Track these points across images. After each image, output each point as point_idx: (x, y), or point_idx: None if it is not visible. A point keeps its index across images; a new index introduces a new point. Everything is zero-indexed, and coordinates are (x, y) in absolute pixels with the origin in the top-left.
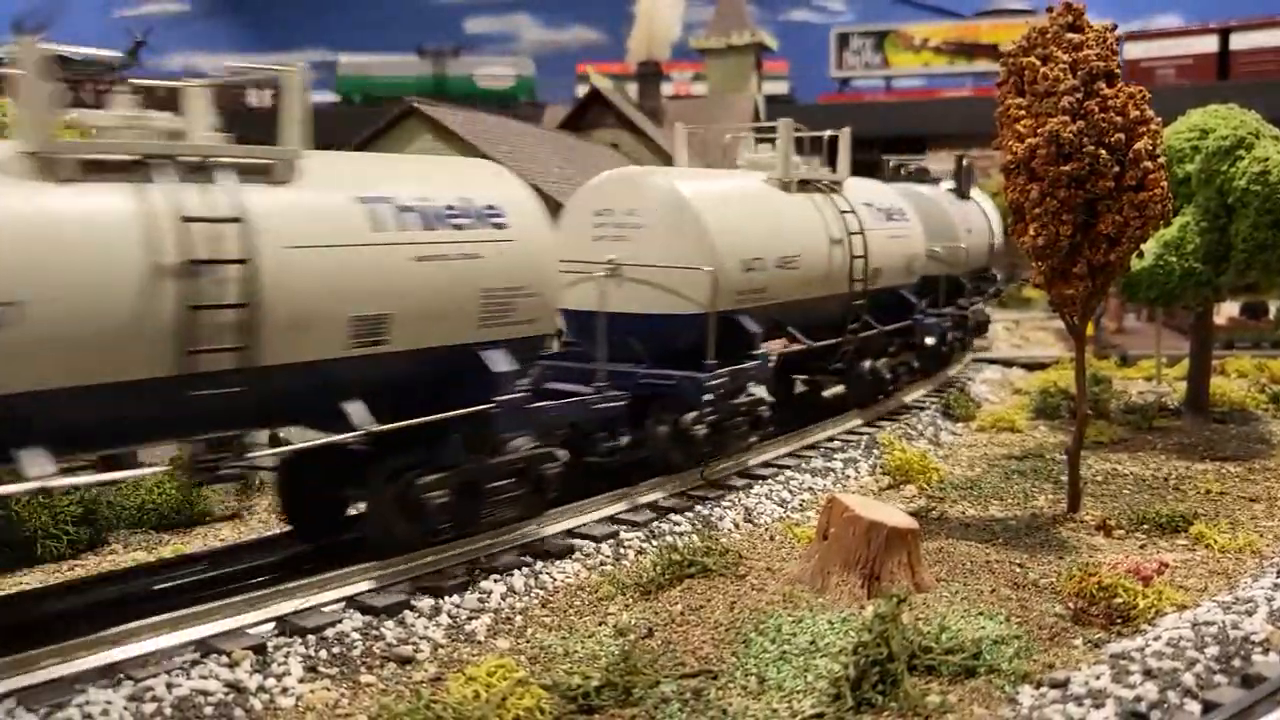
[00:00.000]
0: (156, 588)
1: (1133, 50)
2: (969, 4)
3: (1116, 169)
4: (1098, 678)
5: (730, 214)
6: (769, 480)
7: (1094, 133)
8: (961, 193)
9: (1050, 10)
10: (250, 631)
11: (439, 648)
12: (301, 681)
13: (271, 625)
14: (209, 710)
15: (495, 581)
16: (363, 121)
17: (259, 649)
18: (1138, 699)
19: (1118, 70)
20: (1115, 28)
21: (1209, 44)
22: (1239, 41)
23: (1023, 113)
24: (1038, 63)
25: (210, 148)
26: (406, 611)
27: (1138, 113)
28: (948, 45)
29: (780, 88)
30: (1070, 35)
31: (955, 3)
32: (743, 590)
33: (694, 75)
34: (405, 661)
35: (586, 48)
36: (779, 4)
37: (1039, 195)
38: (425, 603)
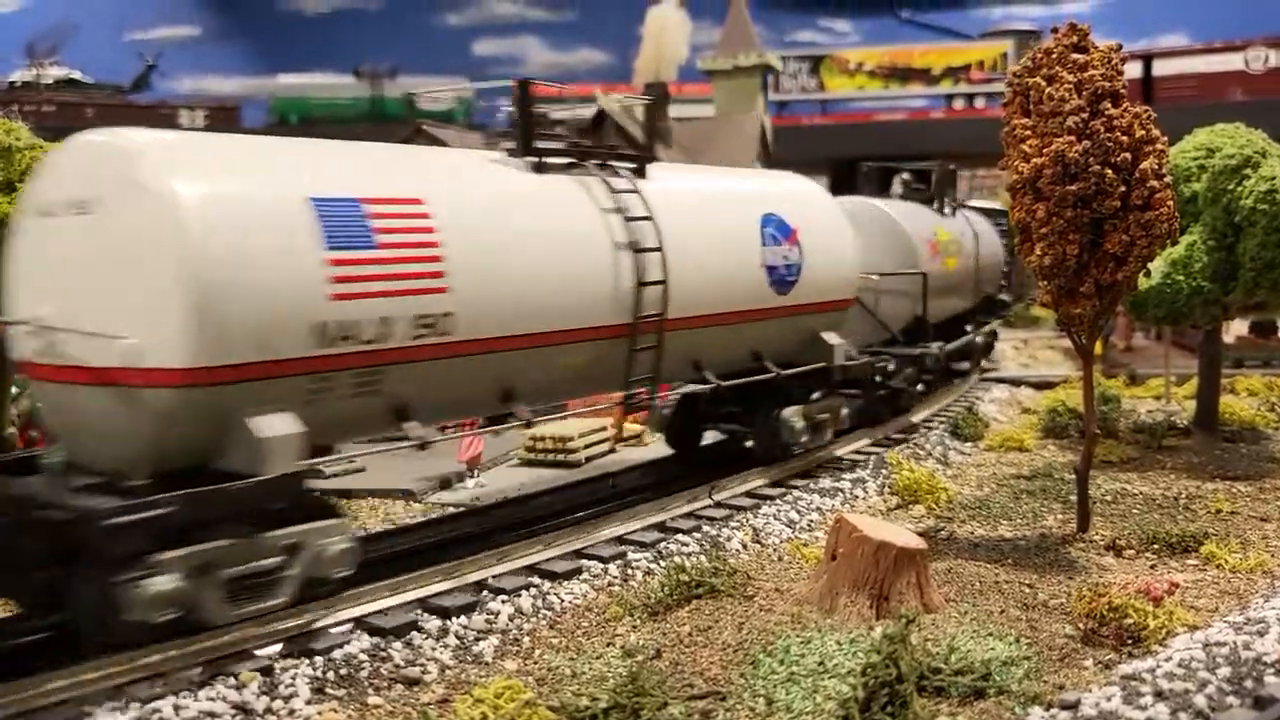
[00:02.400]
0: None
1: None
2: (974, 26)
3: (1123, 188)
4: (1109, 699)
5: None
6: (777, 500)
7: (1100, 152)
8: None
9: (1055, 31)
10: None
11: (446, 669)
12: (309, 703)
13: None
14: None
15: (503, 602)
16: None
17: (266, 670)
18: None
19: (1123, 90)
20: (1120, 48)
21: (1133, 70)
22: (1160, 68)
23: (1029, 133)
24: (1043, 83)
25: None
26: (414, 632)
27: (1143, 132)
28: (882, 69)
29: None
30: (1075, 56)
31: (961, 25)
32: (751, 611)
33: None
34: (413, 683)
35: (594, 69)
36: (786, 25)
37: (1045, 215)
38: (433, 623)
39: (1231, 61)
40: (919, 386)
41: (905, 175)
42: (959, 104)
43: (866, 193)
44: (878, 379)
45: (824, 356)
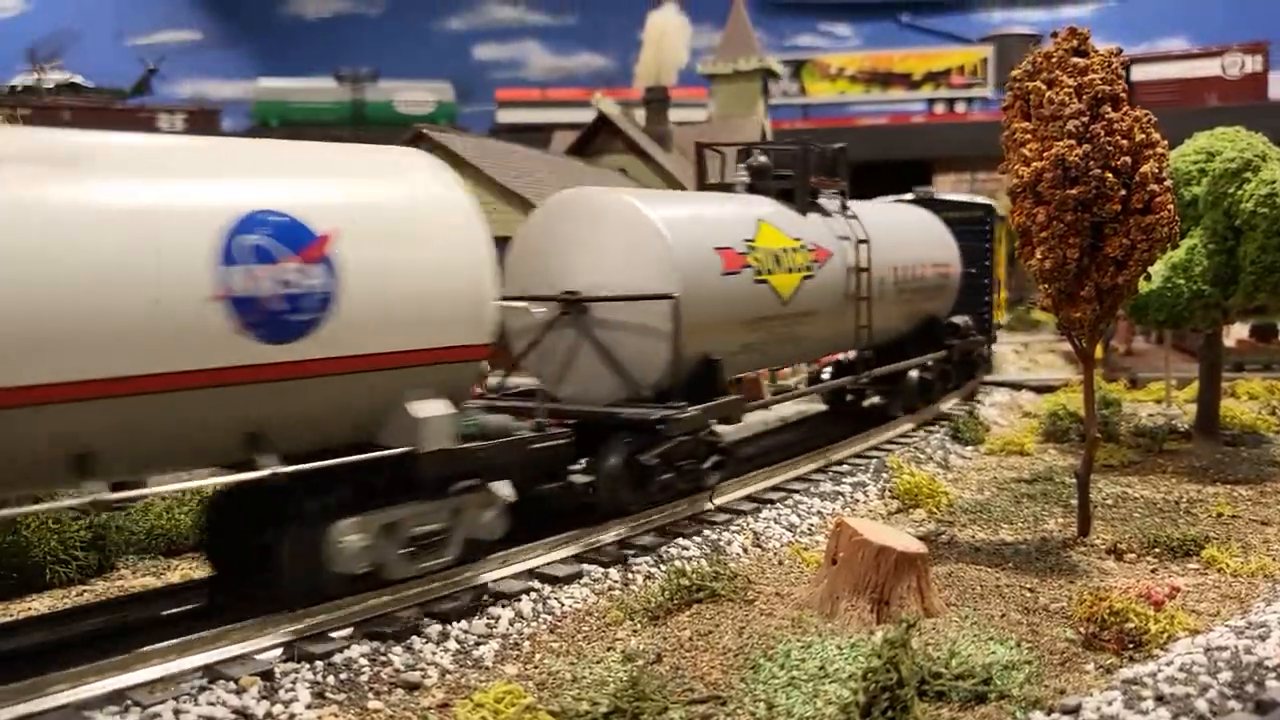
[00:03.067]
0: None
1: None
2: (975, 30)
3: (1123, 192)
4: (1110, 704)
5: None
6: (778, 504)
7: (1100, 156)
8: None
9: (1055, 35)
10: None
11: (446, 673)
12: (309, 708)
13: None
14: None
15: (503, 607)
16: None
17: (266, 675)
18: None
19: (1124, 94)
20: (1121, 52)
21: None
22: (1138, 73)
23: (1029, 136)
24: (1043, 87)
25: None
26: (414, 636)
27: (1144, 136)
28: (862, 74)
29: (699, 115)
30: (1075, 60)
31: (961, 29)
32: (751, 615)
33: (615, 102)
34: (413, 687)
35: (594, 74)
36: (785, 30)
37: (1046, 219)
38: (433, 628)
39: (1209, 67)
40: (673, 468)
41: (762, 158)
42: (939, 109)
43: (715, 180)
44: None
45: (408, 437)
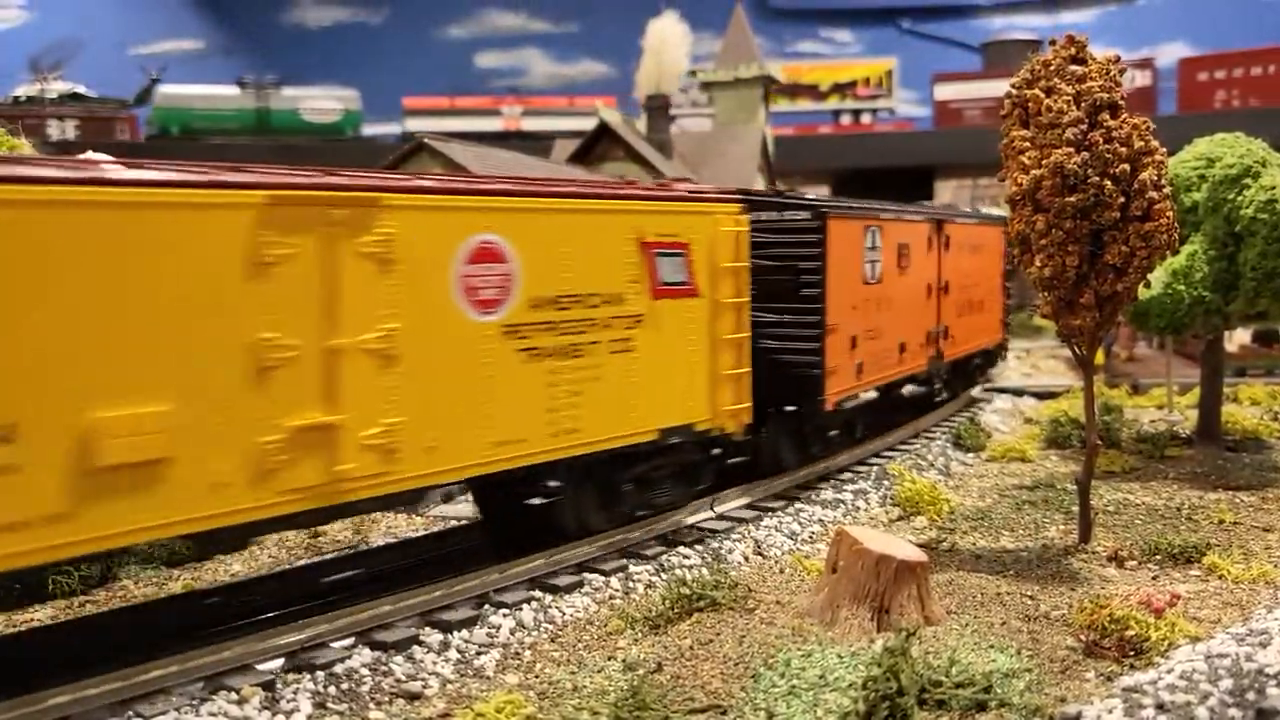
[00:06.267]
0: None
1: (942, 92)
2: (975, 36)
3: (1122, 199)
4: (1110, 712)
5: None
6: (778, 512)
7: (1099, 164)
8: None
9: (1054, 42)
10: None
11: (448, 683)
12: (310, 718)
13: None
14: None
15: (504, 616)
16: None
17: (268, 685)
18: None
19: (1122, 101)
20: (1119, 59)
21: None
22: None
23: (1027, 144)
24: (1042, 95)
25: None
26: (415, 646)
27: (1142, 143)
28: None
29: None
30: (1073, 68)
31: (962, 36)
32: (752, 624)
33: (523, 110)
34: (414, 697)
35: (595, 81)
36: (786, 36)
37: (1045, 226)
38: (434, 637)
39: None
40: None
41: None
42: (845, 119)
43: None
44: None
45: None
